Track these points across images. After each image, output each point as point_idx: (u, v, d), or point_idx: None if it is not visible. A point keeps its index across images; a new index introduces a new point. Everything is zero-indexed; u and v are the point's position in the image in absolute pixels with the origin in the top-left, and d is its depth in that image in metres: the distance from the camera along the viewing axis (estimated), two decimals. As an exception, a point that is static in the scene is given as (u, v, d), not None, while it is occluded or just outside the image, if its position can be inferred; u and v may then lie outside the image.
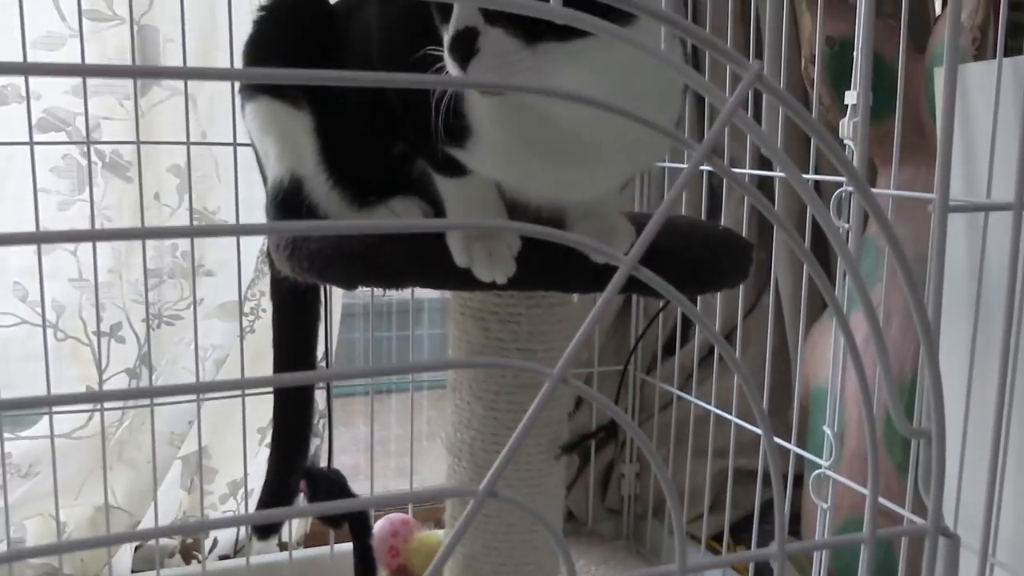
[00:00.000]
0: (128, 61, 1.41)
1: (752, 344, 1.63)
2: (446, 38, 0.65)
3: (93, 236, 1.12)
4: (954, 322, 1.04)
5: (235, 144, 1.35)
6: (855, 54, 1.10)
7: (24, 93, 1.35)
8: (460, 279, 0.84)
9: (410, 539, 1.54)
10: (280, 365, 1.19)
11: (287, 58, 0.96)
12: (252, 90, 1.00)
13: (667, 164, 1.63)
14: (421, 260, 0.86)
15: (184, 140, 1.35)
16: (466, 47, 0.63)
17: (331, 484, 1.22)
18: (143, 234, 0.47)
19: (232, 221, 1.38)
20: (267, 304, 1.55)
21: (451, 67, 0.64)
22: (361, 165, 0.94)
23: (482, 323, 1.01)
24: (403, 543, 1.53)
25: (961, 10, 1.17)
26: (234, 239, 1.38)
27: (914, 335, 1.34)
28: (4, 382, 1.42)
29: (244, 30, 1.01)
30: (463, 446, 1.05)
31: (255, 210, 1.35)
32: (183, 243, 1.43)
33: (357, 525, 1.26)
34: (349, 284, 0.91)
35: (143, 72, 0.37)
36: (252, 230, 0.33)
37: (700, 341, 1.71)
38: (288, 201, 1.00)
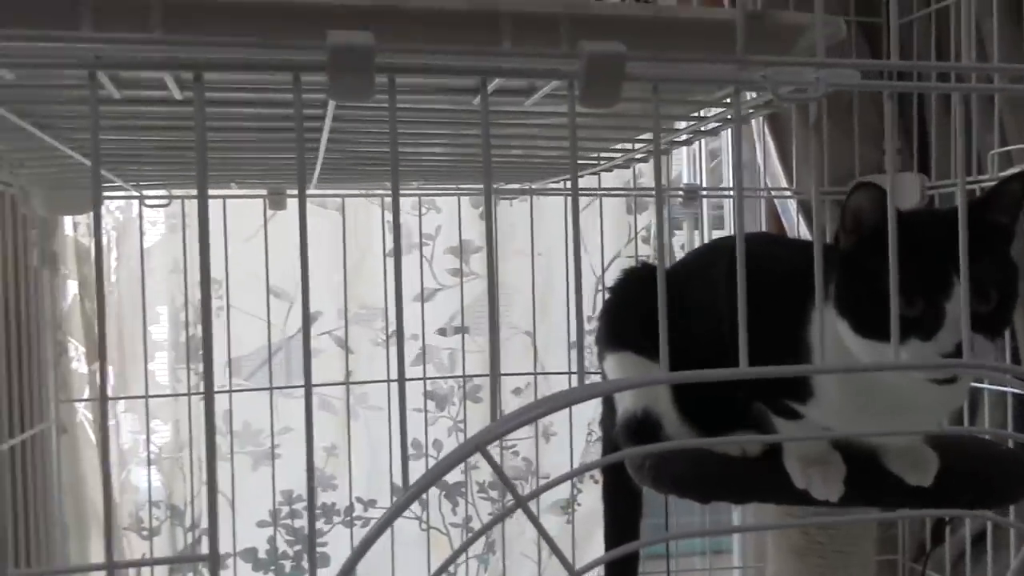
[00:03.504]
0: (482, 307, 1.74)
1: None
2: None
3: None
4: None
5: (569, 373, 1.63)
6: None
7: (406, 336, 1.69)
8: (798, 497, 1.03)
9: None
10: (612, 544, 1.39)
11: (643, 323, 1.21)
12: (613, 343, 1.24)
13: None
14: (766, 482, 1.05)
15: (531, 371, 1.65)
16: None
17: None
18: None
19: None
20: (582, 500, 1.78)
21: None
22: (709, 406, 1.15)
23: (802, 527, 1.18)
24: None
25: None
26: (567, 452, 1.63)
27: None
28: (383, 565, 1.71)
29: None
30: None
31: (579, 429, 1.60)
32: (524, 449, 1.70)
33: None
34: (705, 500, 1.11)
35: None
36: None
37: (973, 527, 1.77)
38: (640, 430, 1.23)
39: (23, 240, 1.36)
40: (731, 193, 1.76)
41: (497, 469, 0.51)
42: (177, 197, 1.44)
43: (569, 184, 1.53)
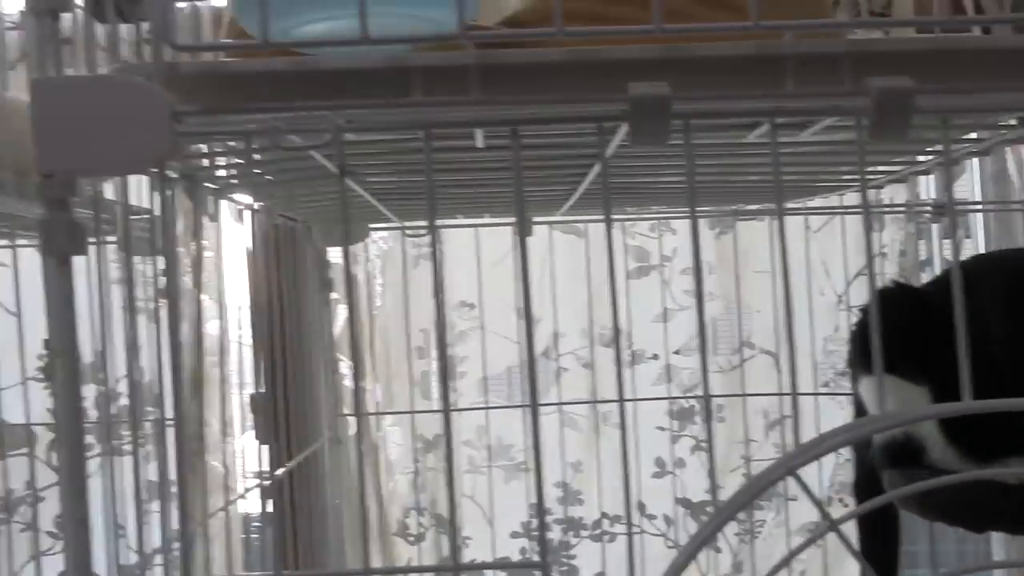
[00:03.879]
0: (720, 327, 1.76)
1: None
2: None
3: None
4: None
5: (816, 394, 1.61)
6: None
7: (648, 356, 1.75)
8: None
9: None
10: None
11: (901, 344, 1.18)
12: (869, 365, 1.23)
13: None
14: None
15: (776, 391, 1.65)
16: None
17: None
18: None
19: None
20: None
21: None
22: (978, 430, 1.11)
23: (1088, 561, 1.11)
24: None
25: None
26: (814, 473, 1.61)
27: None
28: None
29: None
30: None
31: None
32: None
33: None
34: (978, 529, 1.07)
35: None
36: None
37: None
38: (902, 454, 1.20)
39: (306, 270, 1.52)
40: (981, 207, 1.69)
41: (808, 492, 0.54)
42: (436, 227, 1.56)
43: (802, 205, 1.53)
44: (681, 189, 1.46)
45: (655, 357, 1.73)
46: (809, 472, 1.64)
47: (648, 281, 1.74)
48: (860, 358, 1.25)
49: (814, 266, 1.75)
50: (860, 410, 1.32)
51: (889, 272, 1.72)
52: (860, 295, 1.73)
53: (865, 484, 1.32)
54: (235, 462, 1.73)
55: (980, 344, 1.09)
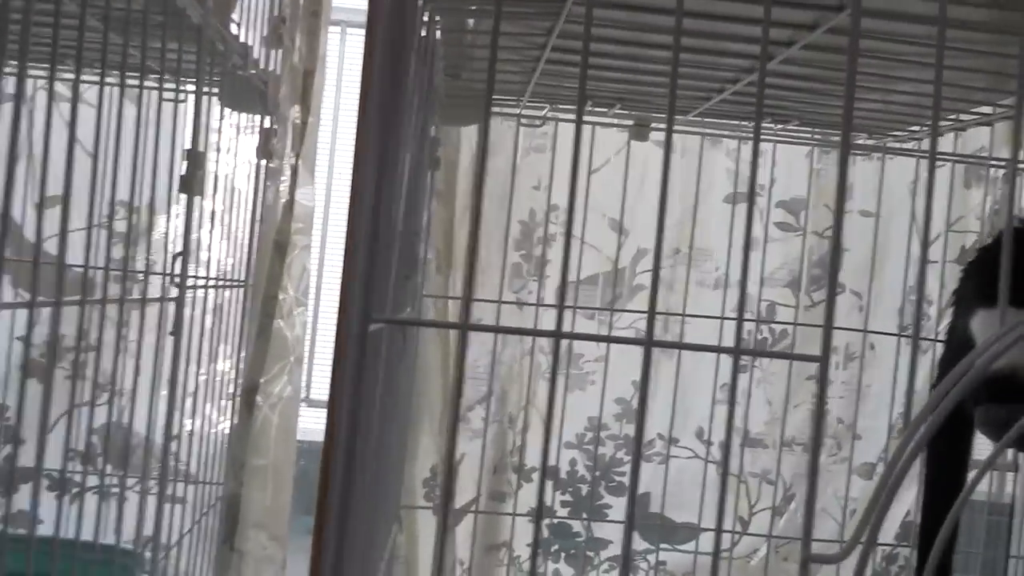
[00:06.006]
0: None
1: None
2: None
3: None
4: None
5: (899, 335, 1.63)
6: None
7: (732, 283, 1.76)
8: None
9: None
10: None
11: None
12: (986, 299, 1.24)
13: None
14: None
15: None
16: None
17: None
18: None
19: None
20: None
21: None
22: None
23: None
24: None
25: None
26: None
27: None
28: (678, 503, 1.77)
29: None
30: None
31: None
32: (837, 411, 1.72)
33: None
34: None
35: None
36: None
37: None
38: (1005, 388, 1.22)
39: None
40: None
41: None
42: (551, 119, 1.55)
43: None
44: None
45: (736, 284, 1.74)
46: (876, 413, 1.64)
47: (740, 209, 1.74)
48: (975, 293, 1.26)
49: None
50: (959, 346, 1.33)
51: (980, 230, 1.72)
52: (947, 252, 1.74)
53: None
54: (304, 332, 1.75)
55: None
